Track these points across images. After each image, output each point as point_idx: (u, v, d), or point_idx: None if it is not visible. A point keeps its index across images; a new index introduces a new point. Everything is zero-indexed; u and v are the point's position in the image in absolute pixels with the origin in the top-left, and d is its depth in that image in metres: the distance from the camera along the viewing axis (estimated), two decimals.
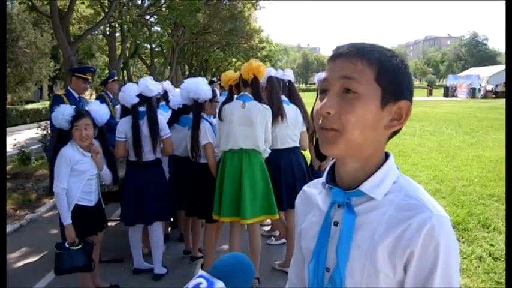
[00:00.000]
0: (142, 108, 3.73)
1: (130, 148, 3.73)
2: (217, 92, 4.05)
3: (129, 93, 3.72)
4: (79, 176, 3.27)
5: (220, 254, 4.00)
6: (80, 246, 3.23)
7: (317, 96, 0.97)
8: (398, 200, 0.85)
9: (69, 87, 5.28)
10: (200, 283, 0.79)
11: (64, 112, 3.26)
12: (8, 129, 10.85)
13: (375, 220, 0.85)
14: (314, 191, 1.02)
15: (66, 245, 3.22)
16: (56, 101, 4.86)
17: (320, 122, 0.85)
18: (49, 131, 4.28)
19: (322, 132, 0.85)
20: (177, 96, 4.19)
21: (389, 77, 0.84)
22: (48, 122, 5.89)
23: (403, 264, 0.81)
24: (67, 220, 3.20)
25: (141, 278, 3.92)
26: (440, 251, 0.79)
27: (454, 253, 0.81)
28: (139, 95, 3.72)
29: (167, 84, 5.39)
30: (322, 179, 0.97)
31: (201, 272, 0.82)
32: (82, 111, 3.38)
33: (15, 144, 9.26)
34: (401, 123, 0.87)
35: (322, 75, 3.74)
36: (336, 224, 0.89)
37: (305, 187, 1.07)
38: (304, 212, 1.03)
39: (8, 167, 8.58)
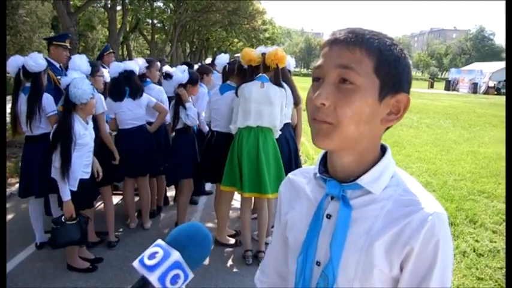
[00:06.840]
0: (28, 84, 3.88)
1: None
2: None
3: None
4: (81, 150, 3.25)
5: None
6: (75, 221, 3.25)
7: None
8: (396, 195, 0.82)
9: (48, 58, 4.65)
10: (156, 252, 0.78)
11: (85, 83, 3.27)
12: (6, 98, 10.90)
13: (372, 215, 0.82)
14: (302, 180, 0.97)
15: (63, 220, 3.23)
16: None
17: (313, 112, 0.80)
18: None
19: (315, 123, 0.80)
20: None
21: (389, 68, 0.79)
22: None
23: (400, 260, 0.79)
24: (67, 196, 3.19)
25: (122, 252, 3.95)
26: (440, 247, 0.77)
27: (450, 250, 0.80)
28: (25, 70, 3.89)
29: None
30: (314, 169, 0.93)
31: (158, 241, 0.81)
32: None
33: (10, 113, 9.17)
34: (399, 118, 0.82)
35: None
36: (328, 216, 0.86)
37: (290, 175, 1.03)
38: (290, 200, 0.98)
39: None
